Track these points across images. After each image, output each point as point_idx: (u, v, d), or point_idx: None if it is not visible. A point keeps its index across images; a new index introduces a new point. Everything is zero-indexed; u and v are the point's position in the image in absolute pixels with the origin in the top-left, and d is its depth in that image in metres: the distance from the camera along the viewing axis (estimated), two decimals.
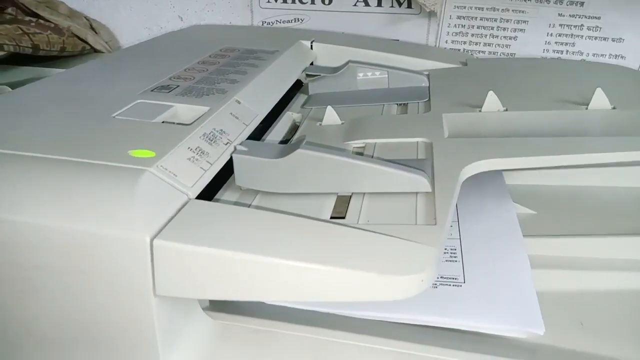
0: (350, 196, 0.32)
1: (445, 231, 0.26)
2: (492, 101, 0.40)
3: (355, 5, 0.64)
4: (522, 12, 0.62)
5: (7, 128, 0.31)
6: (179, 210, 0.26)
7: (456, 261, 0.33)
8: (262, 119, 0.38)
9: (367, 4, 0.64)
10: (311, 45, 0.55)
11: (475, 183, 0.42)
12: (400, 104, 0.46)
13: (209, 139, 0.31)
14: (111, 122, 0.32)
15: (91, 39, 0.67)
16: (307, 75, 0.51)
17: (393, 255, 0.24)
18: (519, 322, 0.28)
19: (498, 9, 0.62)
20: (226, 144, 0.32)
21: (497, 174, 0.44)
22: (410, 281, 0.23)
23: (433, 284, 0.31)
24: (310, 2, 0.66)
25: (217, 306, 0.29)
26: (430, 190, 0.30)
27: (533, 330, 0.28)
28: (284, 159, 0.31)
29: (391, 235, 0.25)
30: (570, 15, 0.61)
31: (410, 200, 0.30)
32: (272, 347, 0.28)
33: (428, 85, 0.48)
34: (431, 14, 0.63)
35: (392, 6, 0.64)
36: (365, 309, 0.30)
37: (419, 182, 0.30)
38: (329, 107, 0.41)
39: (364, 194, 0.32)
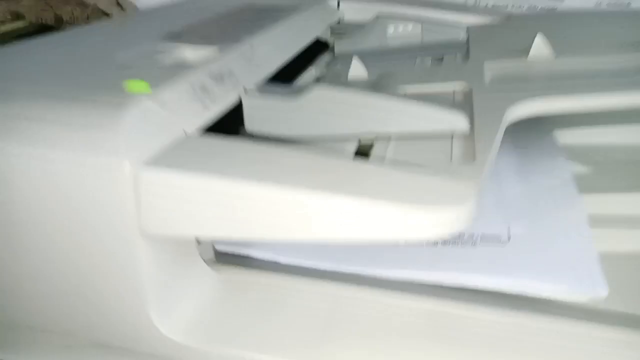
0: (373, 143, 0.28)
1: (485, 168, 0.22)
2: (540, 45, 0.35)
3: None
4: None
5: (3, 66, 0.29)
6: (174, 144, 0.22)
7: (500, 219, 0.29)
8: (277, 66, 0.35)
9: None
10: (338, 4, 0.51)
11: (523, 141, 0.37)
12: (435, 58, 0.41)
13: (215, 78, 0.28)
14: (113, 62, 0.29)
15: (116, 14, 0.66)
16: (333, 34, 0.47)
17: (425, 189, 0.20)
18: (578, 282, 0.24)
19: None
20: (234, 85, 0.29)
21: (548, 131, 0.39)
22: (445, 215, 0.19)
23: (472, 241, 0.27)
24: None
25: (223, 260, 0.26)
26: (467, 129, 0.26)
27: (595, 291, 0.23)
28: (300, 99, 0.28)
29: (422, 172, 0.21)
30: None
31: (443, 145, 0.26)
32: (285, 302, 0.24)
33: (467, 38, 0.43)
34: None
35: None
36: (390, 266, 0.26)
37: (455, 118, 0.26)
38: (355, 58, 0.37)
39: (389, 139, 0.28)
